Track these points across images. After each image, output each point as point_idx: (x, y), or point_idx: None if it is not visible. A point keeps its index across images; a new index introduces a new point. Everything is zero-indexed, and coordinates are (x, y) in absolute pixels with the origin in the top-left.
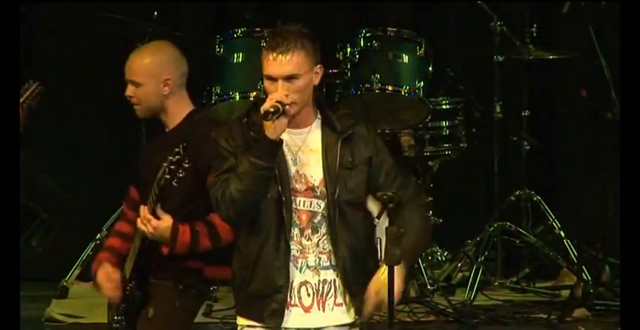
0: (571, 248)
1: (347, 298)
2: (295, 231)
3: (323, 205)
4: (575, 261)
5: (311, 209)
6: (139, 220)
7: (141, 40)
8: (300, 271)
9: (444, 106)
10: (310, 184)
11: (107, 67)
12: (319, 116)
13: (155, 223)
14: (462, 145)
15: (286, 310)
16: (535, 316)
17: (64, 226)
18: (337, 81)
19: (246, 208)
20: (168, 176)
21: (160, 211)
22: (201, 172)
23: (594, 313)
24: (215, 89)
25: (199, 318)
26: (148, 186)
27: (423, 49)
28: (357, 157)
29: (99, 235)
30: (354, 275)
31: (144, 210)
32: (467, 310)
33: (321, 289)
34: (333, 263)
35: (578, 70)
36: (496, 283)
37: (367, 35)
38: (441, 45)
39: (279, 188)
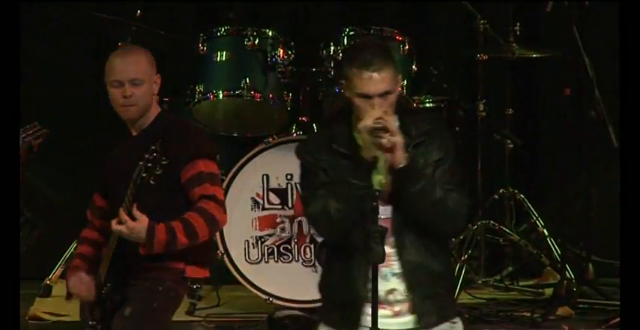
0: (554, 246)
1: (416, 303)
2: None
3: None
4: (559, 259)
5: (387, 216)
6: (114, 222)
7: (124, 39)
8: (385, 279)
9: (427, 105)
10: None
11: (90, 66)
12: (397, 120)
13: (131, 224)
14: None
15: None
16: (519, 314)
17: (48, 224)
18: (321, 79)
19: (345, 227)
20: (144, 174)
21: (135, 212)
22: (177, 172)
23: (578, 311)
24: (198, 88)
25: (183, 316)
26: (118, 191)
27: (406, 48)
28: (427, 159)
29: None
30: (421, 282)
31: (120, 211)
32: None
33: (408, 295)
34: (407, 268)
35: (562, 69)
36: (480, 282)
37: (351, 34)
38: (425, 43)
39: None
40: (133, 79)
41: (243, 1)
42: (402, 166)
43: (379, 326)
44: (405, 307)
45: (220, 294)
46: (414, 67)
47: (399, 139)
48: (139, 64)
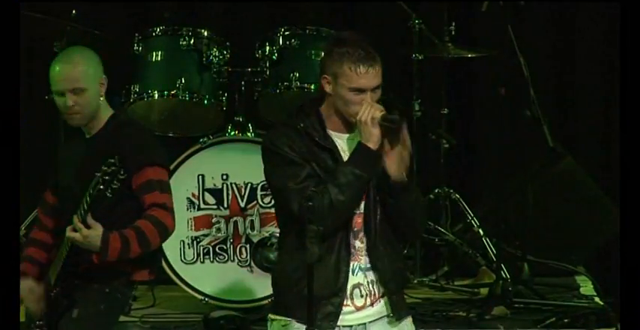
0: (490, 246)
1: (386, 294)
2: (350, 234)
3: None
4: (494, 259)
5: (362, 211)
6: (69, 228)
7: (59, 39)
8: (353, 274)
9: None
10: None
11: (23, 66)
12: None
13: (86, 232)
14: None
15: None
16: (454, 313)
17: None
18: (256, 79)
19: (344, 218)
20: (102, 187)
21: (90, 220)
22: (128, 179)
23: (513, 310)
24: (134, 88)
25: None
26: (70, 192)
27: None
28: None
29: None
30: (390, 275)
31: (75, 219)
32: None
33: (372, 289)
34: (375, 263)
35: (497, 69)
36: (415, 281)
37: (286, 33)
38: None
39: None
40: (74, 88)
41: (178, 1)
42: (405, 181)
43: (340, 322)
44: (367, 300)
45: (156, 294)
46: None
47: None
48: (80, 72)
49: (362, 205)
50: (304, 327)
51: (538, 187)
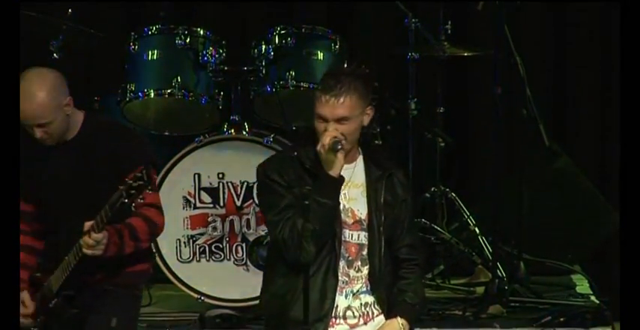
0: (486, 245)
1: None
2: (342, 263)
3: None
4: (490, 258)
5: (359, 242)
6: (85, 243)
7: (55, 37)
8: (345, 298)
9: None
10: (357, 218)
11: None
12: (361, 152)
13: (98, 236)
14: (377, 142)
15: (330, 329)
16: (450, 312)
17: None
18: (252, 78)
19: (316, 246)
20: (126, 201)
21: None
22: (119, 178)
23: (509, 309)
24: (130, 86)
25: None
26: (52, 196)
27: (338, 46)
28: (396, 197)
29: None
30: (384, 299)
31: (91, 234)
32: None
33: (365, 310)
34: (372, 288)
35: (493, 68)
36: None
37: (282, 32)
38: (356, 42)
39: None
40: (38, 124)
41: (174, 0)
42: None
43: None
44: (361, 320)
45: (152, 293)
46: (345, 65)
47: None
48: (41, 108)
49: (352, 236)
50: None
51: (534, 186)
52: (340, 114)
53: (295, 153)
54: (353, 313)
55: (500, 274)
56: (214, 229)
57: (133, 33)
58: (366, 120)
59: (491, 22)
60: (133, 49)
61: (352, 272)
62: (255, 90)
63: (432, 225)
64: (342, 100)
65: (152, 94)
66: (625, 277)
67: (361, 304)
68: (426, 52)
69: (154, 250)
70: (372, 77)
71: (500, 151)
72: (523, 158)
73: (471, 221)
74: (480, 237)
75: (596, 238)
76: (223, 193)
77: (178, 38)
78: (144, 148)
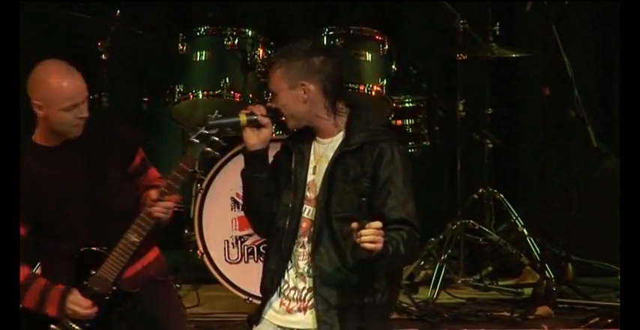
0: (534, 246)
1: (320, 307)
2: (297, 238)
3: (315, 213)
4: (538, 259)
5: (310, 217)
6: (159, 209)
7: (103, 39)
8: (295, 276)
9: (407, 105)
10: (316, 194)
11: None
12: (343, 128)
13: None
14: (425, 143)
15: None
16: (498, 314)
17: None
18: None
19: (253, 215)
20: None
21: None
22: (131, 160)
23: (557, 311)
24: (178, 88)
25: None
26: (63, 204)
27: (386, 48)
28: (359, 172)
29: None
30: (328, 288)
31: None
32: (430, 308)
33: (303, 295)
34: (314, 272)
35: (541, 69)
36: (459, 281)
37: (330, 33)
38: (404, 43)
39: (292, 195)
40: (84, 99)
41: (221, 1)
42: (373, 254)
43: (270, 318)
44: (297, 306)
45: (200, 294)
46: (393, 66)
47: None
48: (82, 80)
49: (309, 212)
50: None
51: (582, 187)
52: (270, 87)
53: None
54: (293, 294)
55: (548, 275)
56: None
57: (181, 34)
58: (308, 95)
59: (539, 23)
60: (182, 50)
61: (299, 248)
62: None
63: (480, 226)
64: (272, 74)
65: (200, 95)
66: (625, 277)
67: (304, 287)
68: (474, 53)
69: (202, 251)
70: (320, 52)
71: (549, 152)
72: (571, 159)
73: (519, 222)
74: (527, 238)
75: None
76: None
77: (227, 39)
78: (135, 130)
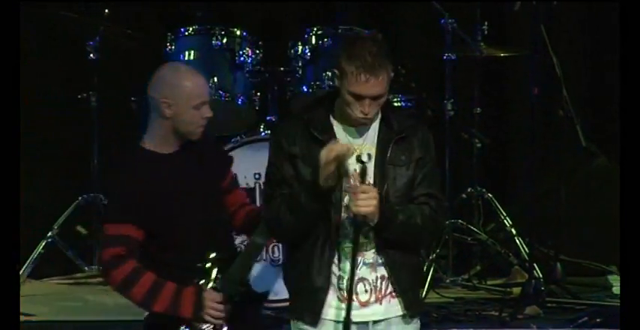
0: (522, 246)
1: (398, 293)
2: (346, 231)
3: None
4: (527, 258)
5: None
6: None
7: (92, 38)
8: (358, 268)
9: (395, 104)
10: (367, 182)
11: (56, 65)
12: (380, 115)
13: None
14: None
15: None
16: (487, 313)
17: None
18: (288, 79)
19: (297, 236)
20: None
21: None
22: (226, 174)
23: (546, 310)
24: None
25: None
26: (184, 212)
27: None
28: (410, 156)
29: (50, 233)
30: (403, 271)
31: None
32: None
33: (379, 284)
34: (385, 260)
35: (530, 68)
36: (448, 281)
37: (319, 33)
38: (393, 43)
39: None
40: (208, 98)
41: (210, 1)
42: (375, 222)
43: (332, 317)
44: (372, 297)
45: None
46: (378, 91)
47: (374, 199)
48: (206, 82)
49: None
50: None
51: (571, 187)
52: (378, 92)
53: (305, 117)
54: (365, 286)
55: (536, 274)
56: None
57: (169, 33)
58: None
59: (527, 23)
60: (170, 49)
61: (361, 238)
62: (292, 90)
63: (469, 226)
64: (380, 78)
65: None
66: (625, 278)
67: (377, 277)
68: (462, 53)
69: None
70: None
71: (537, 151)
72: (560, 159)
73: (508, 222)
74: (516, 237)
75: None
76: (260, 193)
77: (215, 39)
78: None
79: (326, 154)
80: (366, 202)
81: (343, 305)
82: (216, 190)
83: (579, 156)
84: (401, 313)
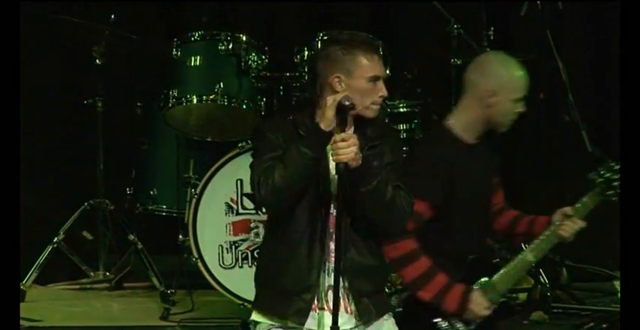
0: None
1: (358, 298)
2: (327, 234)
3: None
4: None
5: (334, 214)
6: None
7: (97, 43)
8: (328, 275)
9: (401, 109)
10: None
11: (62, 71)
12: (352, 125)
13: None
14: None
15: (312, 312)
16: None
17: (21, 228)
18: (294, 84)
19: (287, 196)
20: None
21: None
22: None
23: (551, 315)
24: (172, 92)
25: (156, 321)
26: (474, 203)
27: (380, 52)
28: (382, 161)
29: (56, 238)
30: (360, 280)
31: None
32: None
33: (346, 292)
34: (344, 266)
35: (536, 73)
36: None
37: (324, 38)
38: (398, 48)
39: (321, 188)
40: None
41: (216, 6)
42: (355, 166)
43: (315, 327)
44: (343, 304)
45: (194, 299)
46: (387, 71)
47: (354, 145)
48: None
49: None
50: (273, 322)
51: (576, 192)
52: (385, 71)
53: (290, 117)
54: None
55: (542, 280)
56: (256, 235)
57: (175, 39)
58: None
59: (533, 28)
60: (176, 54)
61: (332, 244)
62: (298, 96)
63: None
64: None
65: (194, 100)
66: (626, 278)
67: (344, 285)
68: (468, 58)
69: (197, 256)
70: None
71: (543, 156)
72: (565, 163)
73: None
74: (522, 243)
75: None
76: None
77: (221, 44)
78: None
79: (332, 98)
80: (345, 150)
81: (315, 312)
82: (491, 188)
83: (584, 161)
84: (355, 325)
